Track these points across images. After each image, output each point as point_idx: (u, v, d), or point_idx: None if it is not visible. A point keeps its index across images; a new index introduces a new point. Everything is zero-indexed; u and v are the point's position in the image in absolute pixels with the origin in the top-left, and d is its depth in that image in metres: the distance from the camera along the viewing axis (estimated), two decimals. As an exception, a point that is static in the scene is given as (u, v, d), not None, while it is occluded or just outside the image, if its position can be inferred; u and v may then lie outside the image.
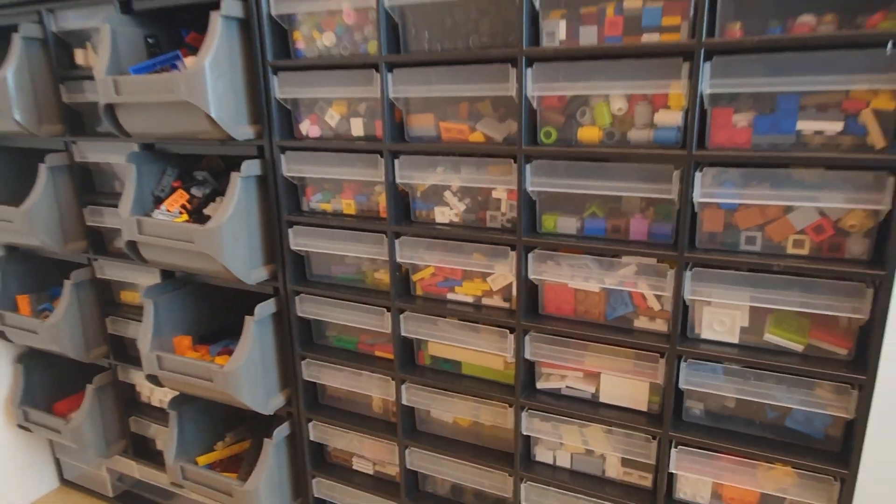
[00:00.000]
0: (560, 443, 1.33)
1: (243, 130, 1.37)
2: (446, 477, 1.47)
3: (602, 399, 1.27)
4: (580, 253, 1.19)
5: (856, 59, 0.90)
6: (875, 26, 0.91)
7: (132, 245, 1.50)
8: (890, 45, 0.88)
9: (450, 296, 1.37)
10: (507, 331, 1.29)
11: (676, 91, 1.03)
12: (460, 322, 1.34)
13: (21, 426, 2.00)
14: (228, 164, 1.65)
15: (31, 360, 2.02)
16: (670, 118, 1.06)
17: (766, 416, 1.15)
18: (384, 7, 1.20)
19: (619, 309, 1.20)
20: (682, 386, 1.15)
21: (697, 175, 1.04)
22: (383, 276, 1.44)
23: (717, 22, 0.99)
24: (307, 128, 1.41)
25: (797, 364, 1.05)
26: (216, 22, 1.27)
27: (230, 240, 1.37)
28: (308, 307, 1.51)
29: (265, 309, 1.49)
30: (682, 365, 1.15)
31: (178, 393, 1.70)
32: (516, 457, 1.35)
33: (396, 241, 1.34)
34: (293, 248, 1.48)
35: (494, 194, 1.26)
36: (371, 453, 1.59)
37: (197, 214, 1.51)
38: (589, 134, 1.13)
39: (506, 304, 1.32)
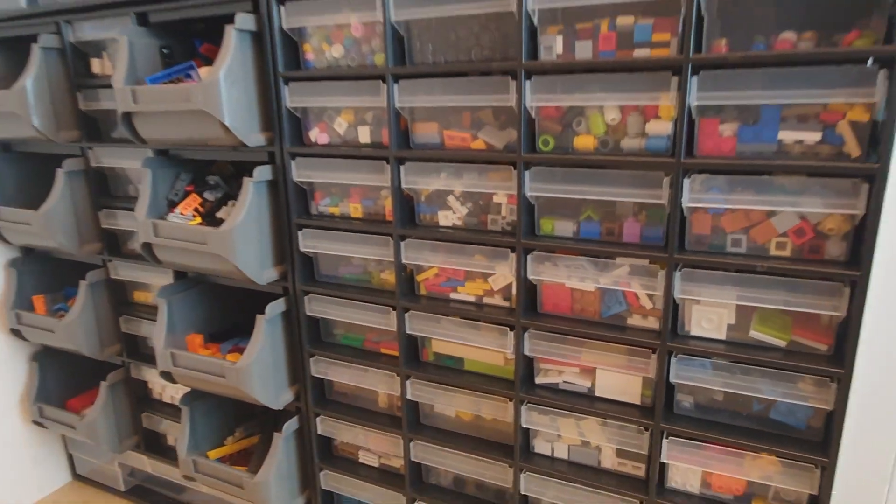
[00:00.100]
0: (558, 435, 1.36)
1: (255, 137, 1.41)
2: (449, 469, 1.50)
3: (597, 393, 1.30)
4: (576, 254, 1.22)
5: (833, 74, 0.94)
6: (850, 44, 0.95)
7: (147, 247, 1.53)
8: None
9: (453, 295, 1.40)
10: (508, 328, 1.32)
11: (666, 103, 1.07)
12: (462, 320, 1.37)
13: (36, 422, 2.02)
14: (238, 168, 1.68)
15: (46, 359, 2.04)
16: (660, 128, 1.10)
17: (751, 409, 1.19)
18: (391, 21, 1.23)
19: (613, 307, 1.24)
20: (672, 380, 1.19)
21: (686, 181, 1.07)
22: (389, 277, 1.47)
23: (704, 38, 1.03)
24: (316, 135, 1.44)
25: (780, 359, 1.09)
26: (231, 35, 1.30)
27: (242, 242, 1.41)
28: (316, 306, 1.54)
29: (275, 308, 1.52)
30: (673, 360, 1.18)
31: (189, 389, 1.73)
32: (516, 449, 1.38)
33: (402, 244, 1.37)
34: (302, 249, 1.50)
35: (495, 199, 1.30)
36: (377, 446, 1.61)
37: (209, 217, 1.55)
38: (584, 142, 1.17)
39: (506, 303, 1.35)
